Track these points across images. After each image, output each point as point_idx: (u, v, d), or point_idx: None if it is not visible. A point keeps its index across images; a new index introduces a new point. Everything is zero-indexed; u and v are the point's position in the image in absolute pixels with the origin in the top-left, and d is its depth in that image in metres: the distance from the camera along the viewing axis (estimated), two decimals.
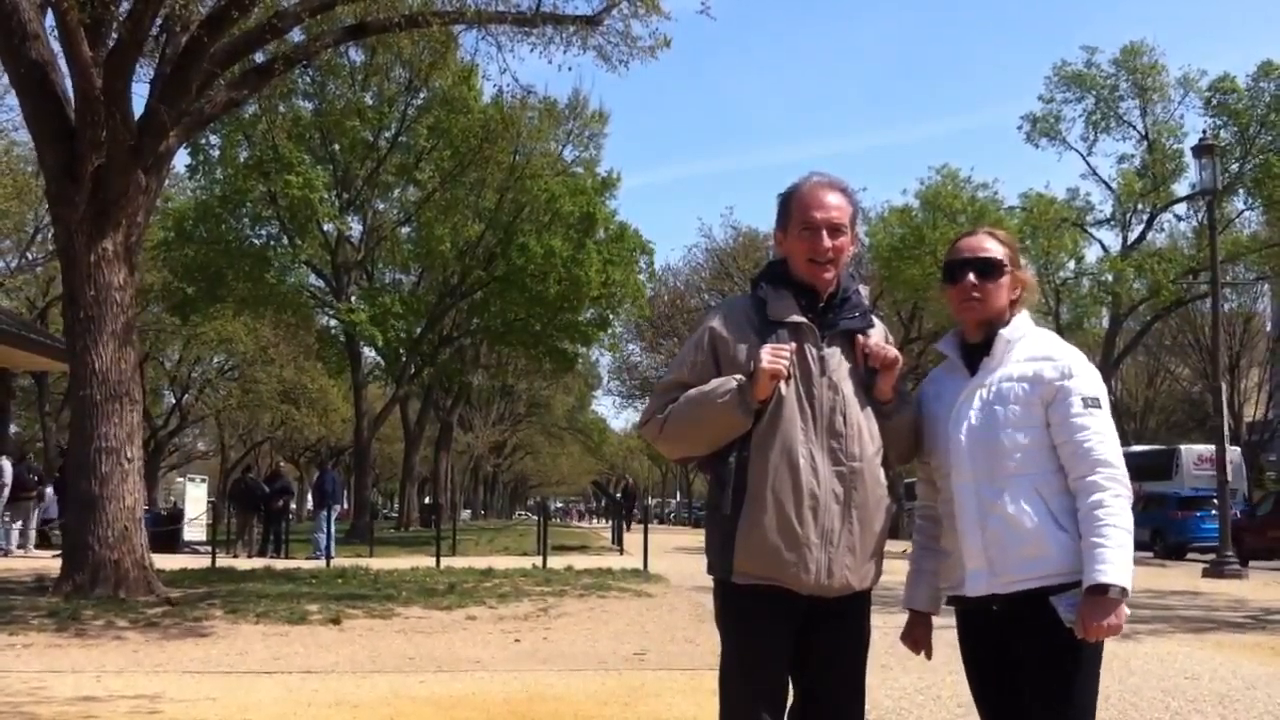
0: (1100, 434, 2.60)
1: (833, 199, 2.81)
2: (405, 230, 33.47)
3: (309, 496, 36.27)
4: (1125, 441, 27.88)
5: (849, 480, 2.71)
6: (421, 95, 30.09)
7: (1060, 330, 29.54)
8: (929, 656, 2.90)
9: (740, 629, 2.75)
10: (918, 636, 2.87)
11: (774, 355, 2.67)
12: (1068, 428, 2.60)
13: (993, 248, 2.76)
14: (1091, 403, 2.62)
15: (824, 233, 2.77)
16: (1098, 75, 29.73)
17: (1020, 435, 2.61)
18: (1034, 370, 2.65)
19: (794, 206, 2.83)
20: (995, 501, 2.59)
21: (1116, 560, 2.48)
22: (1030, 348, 2.70)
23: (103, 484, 10.48)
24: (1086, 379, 2.65)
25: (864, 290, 2.94)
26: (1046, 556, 2.55)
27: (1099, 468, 2.57)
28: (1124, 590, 2.47)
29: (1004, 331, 2.70)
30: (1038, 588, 2.55)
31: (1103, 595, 2.46)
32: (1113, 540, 2.49)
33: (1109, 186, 30.65)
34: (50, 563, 13.41)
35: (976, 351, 2.75)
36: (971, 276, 2.72)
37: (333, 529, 19.85)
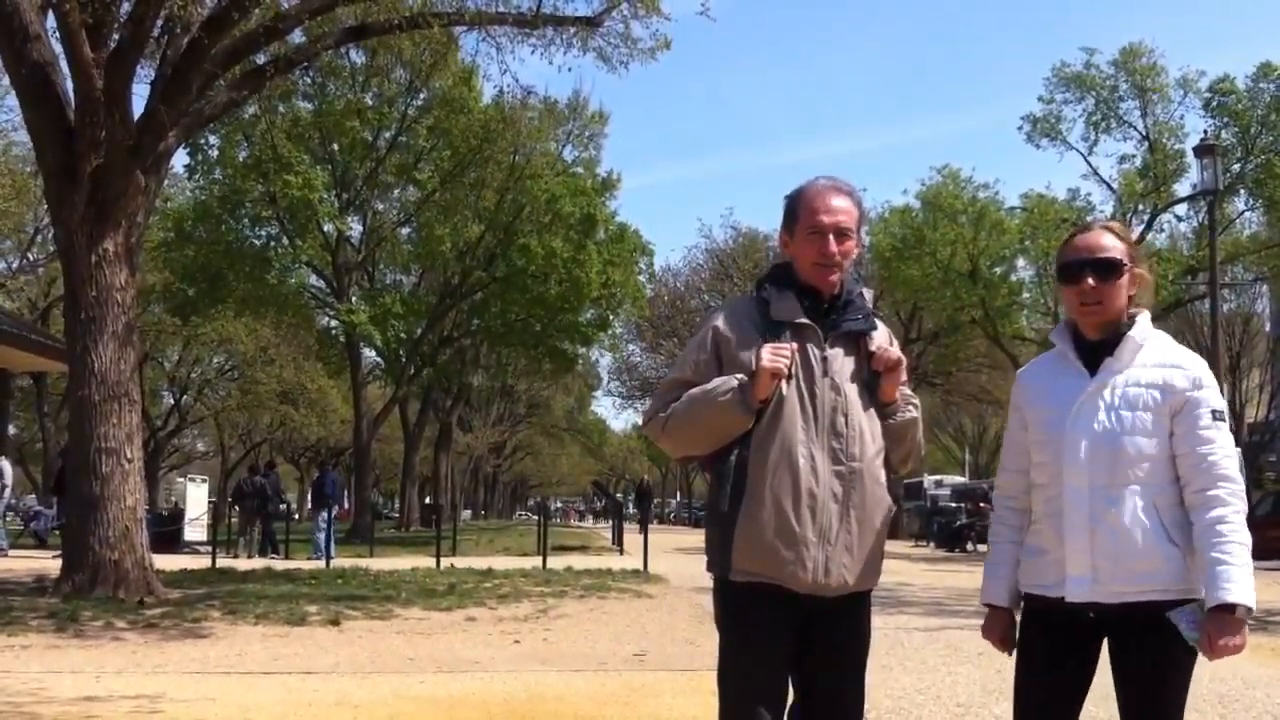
0: (1225, 448, 2.57)
1: (839, 203, 2.81)
2: (405, 231, 33.48)
3: (308, 496, 36.24)
4: None
5: (848, 480, 2.71)
6: (422, 96, 30.10)
7: None
8: (1011, 652, 2.80)
9: (738, 626, 2.76)
10: (1003, 633, 2.78)
11: (774, 354, 2.68)
12: (1193, 439, 2.55)
13: (1111, 245, 2.67)
14: (1219, 416, 2.59)
15: (830, 237, 2.77)
16: (1097, 76, 29.70)
17: (1147, 444, 2.55)
18: (1164, 378, 2.59)
19: (801, 210, 2.84)
20: (1110, 509, 2.53)
21: (1242, 579, 2.47)
22: (1158, 353, 2.63)
23: (103, 484, 10.48)
24: (1214, 391, 2.62)
25: (868, 293, 2.93)
26: (1157, 571, 2.52)
27: (1222, 482, 2.54)
28: (1249, 609, 2.47)
29: (1134, 334, 2.63)
30: (1145, 601, 2.51)
31: (1230, 614, 2.45)
32: (1237, 558, 2.48)
33: (1110, 187, 30.65)
34: (50, 563, 13.41)
35: (1094, 349, 2.67)
36: (1090, 280, 2.63)
37: (332, 530, 19.81)
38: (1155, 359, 2.62)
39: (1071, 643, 2.61)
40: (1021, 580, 2.74)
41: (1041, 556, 2.66)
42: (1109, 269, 2.64)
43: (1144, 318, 2.67)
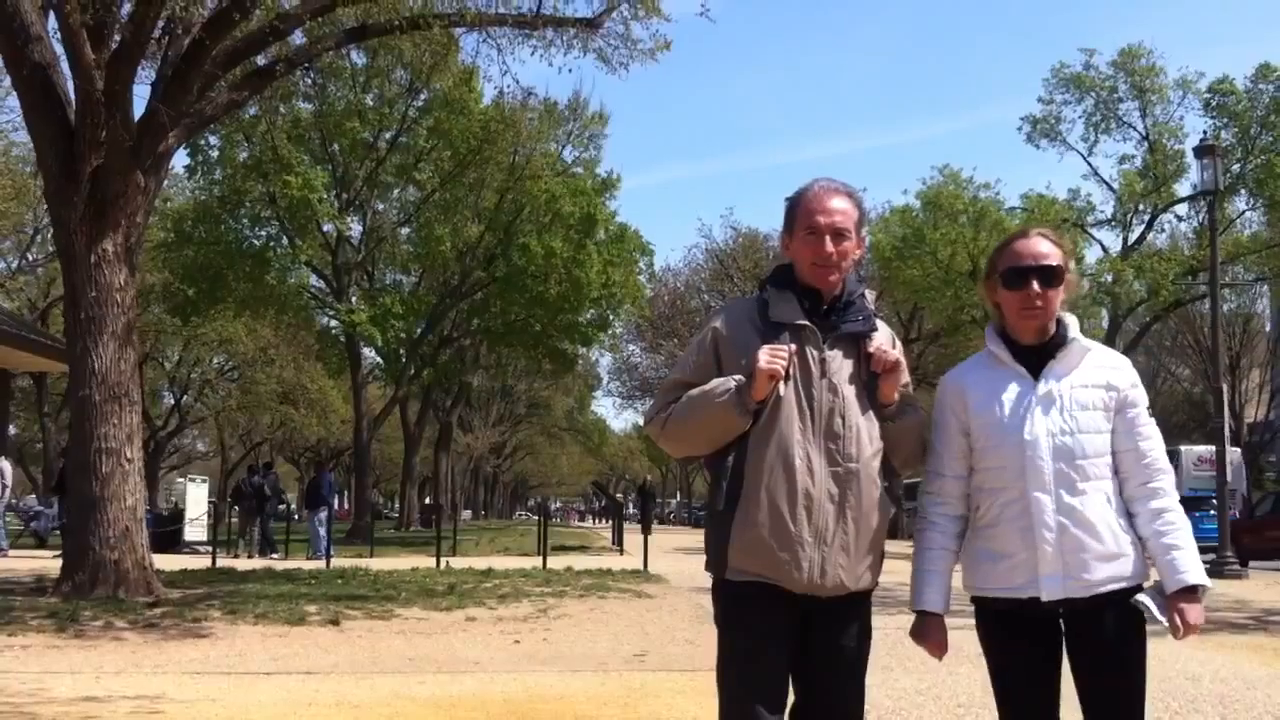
0: (1160, 442, 2.76)
1: (837, 203, 2.83)
2: (405, 231, 33.48)
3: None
4: None
5: (845, 481, 2.72)
6: (422, 97, 30.09)
7: None
8: (944, 656, 2.86)
9: (736, 625, 2.77)
10: (940, 638, 2.81)
11: (771, 356, 2.69)
12: (1135, 435, 2.72)
13: (1051, 251, 2.76)
14: (1151, 412, 2.78)
15: (827, 237, 2.79)
16: (1096, 77, 29.72)
17: (1099, 441, 2.69)
18: (1106, 378, 2.73)
19: (799, 211, 2.85)
20: (1075, 507, 2.64)
21: (1197, 563, 2.67)
22: (1097, 354, 2.77)
23: (103, 485, 10.48)
24: (1143, 388, 2.80)
25: (870, 295, 2.94)
26: (1120, 561, 2.65)
27: (1161, 475, 2.72)
28: (1207, 589, 2.66)
29: (1079, 338, 2.75)
30: (1112, 591, 2.63)
31: (1193, 595, 2.64)
32: (1188, 543, 2.67)
33: (1110, 187, 30.65)
34: (50, 563, 13.41)
35: (1030, 353, 2.75)
36: (1035, 285, 2.72)
37: (327, 530, 19.79)
38: (1096, 361, 2.76)
39: (1039, 640, 2.70)
40: (978, 585, 2.77)
41: (1004, 560, 2.69)
42: (1053, 276, 2.75)
43: (1074, 321, 2.79)
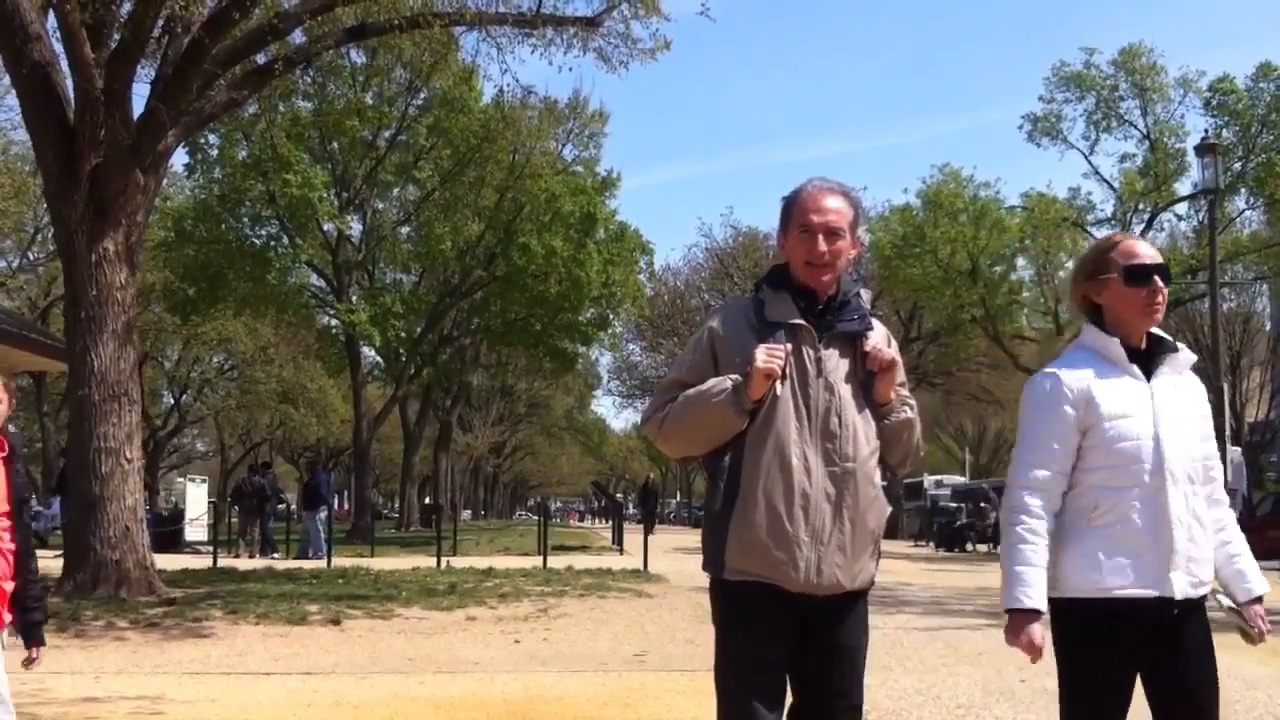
0: (1217, 454, 2.88)
1: (831, 203, 2.83)
2: (405, 230, 33.48)
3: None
4: None
5: (841, 480, 2.73)
6: (422, 95, 30.08)
7: (1059, 330, 29.57)
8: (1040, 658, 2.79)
9: (733, 624, 2.78)
10: (1040, 638, 2.68)
11: (768, 355, 2.70)
12: (1207, 445, 2.81)
13: (1159, 255, 2.83)
14: None
15: (820, 236, 2.79)
16: (1097, 76, 29.69)
17: (1201, 447, 2.77)
18: (1197, 387, 2.84)
19: (794, 210, 2.86)
20: (1194, 508, 2.72)
21: (1260, 571, 2.86)
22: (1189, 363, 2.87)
23: (103, 484, 10.49)
24: None
25: (865, 294, 2.95)
26: (1210, 564, 2.76)
27: (1221, 487, 2.83)
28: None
29: (1182, 346, 2.82)
30: (1207, 591, 2.74)
31: (1259, 602, 2.80)
32: (1250, 553, 2.85)
33: (1111, 186, 30.62)
34: (52, 563, 13.40)
35: (1136, 355, 2.77)
36: (1159, 281, 2.76)
37: (321, 529, 19.78)
38: (1191, 370, 2.85)
39: (1131, 642, 2.68)
40: (1090, 586, 2.67)
41: (1132, 558, 2.64)
42: (1169, 276, 2.82)
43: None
